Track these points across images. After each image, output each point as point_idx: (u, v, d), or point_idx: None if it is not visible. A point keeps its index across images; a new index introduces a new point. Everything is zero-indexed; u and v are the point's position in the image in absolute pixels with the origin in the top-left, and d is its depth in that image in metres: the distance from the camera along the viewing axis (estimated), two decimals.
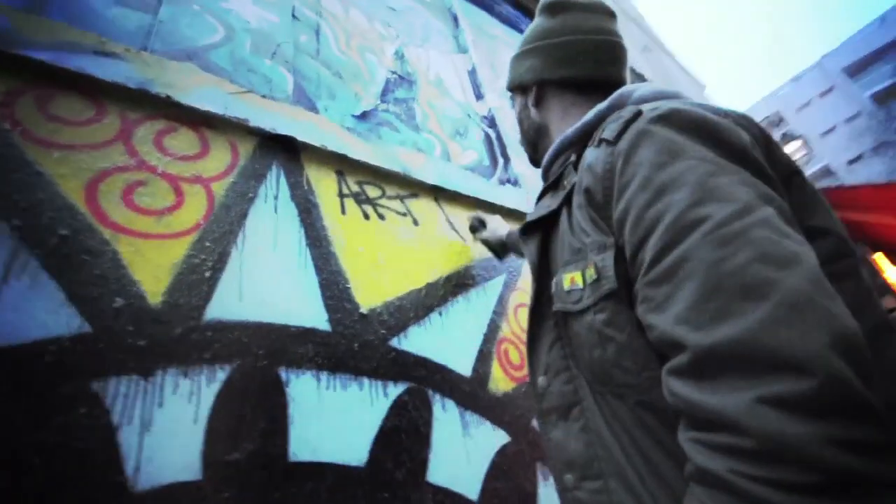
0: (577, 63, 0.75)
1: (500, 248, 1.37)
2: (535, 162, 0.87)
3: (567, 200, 0.63)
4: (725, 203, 0.41)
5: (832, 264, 0.38)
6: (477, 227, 1.42)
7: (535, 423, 1.24)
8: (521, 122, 0.87)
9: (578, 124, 0.68)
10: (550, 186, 0.71)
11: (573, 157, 0.66)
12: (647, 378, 0.48)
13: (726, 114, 0.52)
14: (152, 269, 0.81)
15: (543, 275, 0.67)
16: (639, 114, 0.52)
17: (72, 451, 0.63)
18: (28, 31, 0.84)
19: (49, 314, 0.69)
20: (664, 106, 0.51)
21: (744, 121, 0.52)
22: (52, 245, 0.73)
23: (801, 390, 0.31)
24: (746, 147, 0.47)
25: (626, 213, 0.48)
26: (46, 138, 0.81)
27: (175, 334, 0.78)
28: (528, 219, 0.71)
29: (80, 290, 0.73)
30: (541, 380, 0.65)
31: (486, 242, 1.38)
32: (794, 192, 0.50)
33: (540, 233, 0.69)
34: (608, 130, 0.55)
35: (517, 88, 0.85)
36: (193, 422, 0.74)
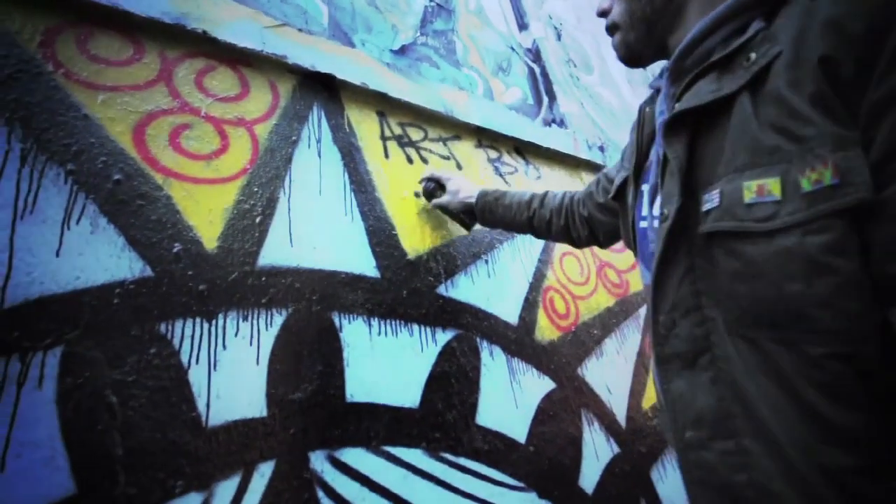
0: None
1: (465, 217, 1.07)
2: (634, 55, 0.64)
3: (755, 81, 0.46)
4: None
5: None
6: (433, 190, 1.08)
7: (579, 371, 1.23)
8: None
9: None
10: (711, 67, 0.51)
11: (761, 24, 0.48)
12: (870, 323, 0.38)
13: None
14: (205, 214, 0.81)
15: (686, 189, 0.52)
16: None
17: (147, 389, 0.66)
18: None
19: (112, 258, 0.70)
20: None
21: None
22: (108, 190, 0.73)
23: None
24: None
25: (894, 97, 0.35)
26: (90, 80, 0.78)
27: (232, 279, 0.79)
28: (681, 107, 0.52)
29: (138, 235, 0.73)
30: (663, 318, 0.54)
31: (445, 210, 1.08)
32: None
33: (688, 131, 0.52)
34: None
35: None
36: (256, 363, 0.76)
